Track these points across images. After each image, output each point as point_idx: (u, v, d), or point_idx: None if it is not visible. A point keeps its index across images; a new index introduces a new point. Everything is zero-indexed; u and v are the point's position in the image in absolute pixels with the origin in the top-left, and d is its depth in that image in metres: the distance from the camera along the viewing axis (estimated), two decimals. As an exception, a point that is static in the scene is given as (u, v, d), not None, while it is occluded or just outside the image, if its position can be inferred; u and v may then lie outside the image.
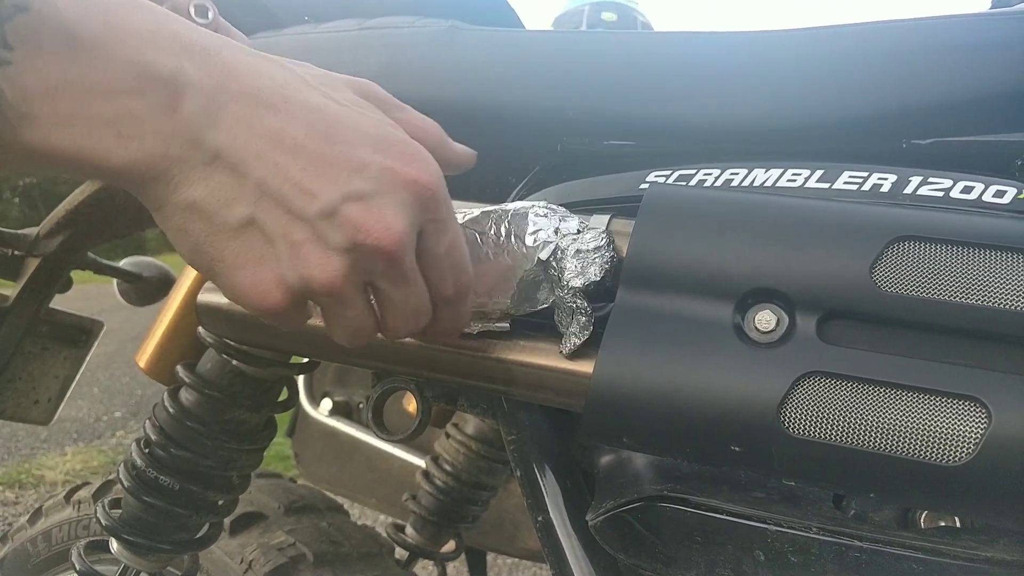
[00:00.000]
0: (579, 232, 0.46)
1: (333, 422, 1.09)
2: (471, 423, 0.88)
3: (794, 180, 0.50)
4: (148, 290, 0.99)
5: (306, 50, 0.69)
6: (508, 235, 0.46)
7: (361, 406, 1.11)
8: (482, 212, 0.47)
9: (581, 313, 0.44)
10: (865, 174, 0.49)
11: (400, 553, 0.93)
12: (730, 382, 0.39)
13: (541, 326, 0.47)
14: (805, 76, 0.55)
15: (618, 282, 0.43)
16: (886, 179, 0.48)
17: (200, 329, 0.61)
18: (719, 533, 0.45)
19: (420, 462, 1.06)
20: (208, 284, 0.57)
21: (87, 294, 0.91)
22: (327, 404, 1.10)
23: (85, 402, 3.88)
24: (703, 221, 0.42)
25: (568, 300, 0.44)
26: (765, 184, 0.51)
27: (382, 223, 0.34)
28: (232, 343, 0.60)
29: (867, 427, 0.37)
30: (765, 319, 0.40)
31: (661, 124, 0.56)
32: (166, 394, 0.64)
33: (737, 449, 0.39)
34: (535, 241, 0.45)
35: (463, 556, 1.01)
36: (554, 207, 0.47)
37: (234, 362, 0.61)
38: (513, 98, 0.60)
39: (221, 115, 0.33)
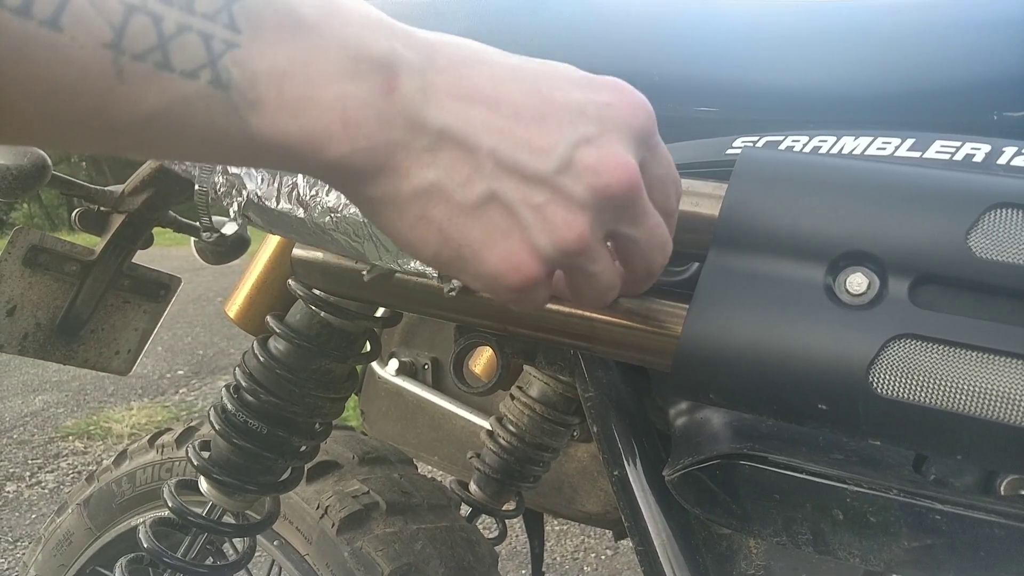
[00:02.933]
0: None
1: (399, 381, 1.12)
2: (535, 386, 0.90)
3: (884, 148, 0.50)
4: (224, 250, 1.03)
5: (388, 16, 0.70)
6: None
7: (426, 367, 1.13)
8: None
9: None
10: (958, 143, 0.48)
11: (463, 509, 0.96)
12: (820, 342, 0.39)
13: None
14: (894, 45, 0.55)
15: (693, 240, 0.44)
16: (979, 149, 0.48)
17: (290, 282, 0.63)
18: (797, 492, 0.46)
19: (482, 423, 1.09)
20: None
21: (150, 256, 0.94)
22: (394, 364, 1.13)
23: (150, 360, 4.02)
24: (798, 184, 0.42)
25: None
26: (854, 152, 0.50)
27: (615, 160, 0.34)
28: (321, 295, 0.62)
29: (957, 390, 0.37)
30: (857, 282, 0.41)
31: (748, 90, 0.56)
32: (255, 343, 0.67)
33: (824, 407, 0.40)
34: None
35: (518, 519, 1.04)
36: None
37: (322, 314, 0.64)
38: (598, 63, 0.60)
39: (435, 92, 0.32)
